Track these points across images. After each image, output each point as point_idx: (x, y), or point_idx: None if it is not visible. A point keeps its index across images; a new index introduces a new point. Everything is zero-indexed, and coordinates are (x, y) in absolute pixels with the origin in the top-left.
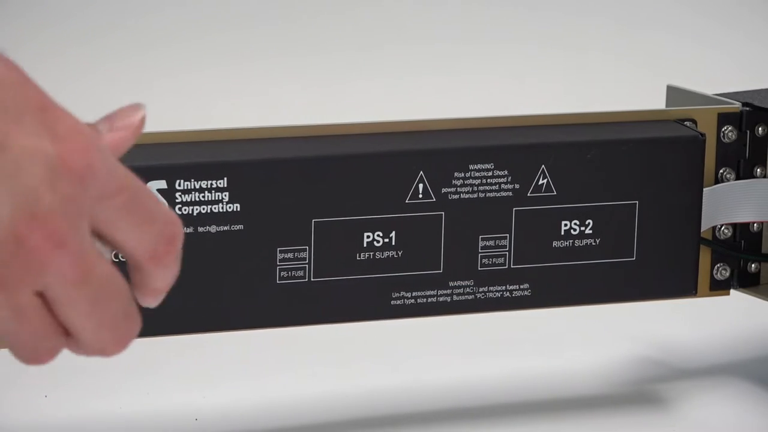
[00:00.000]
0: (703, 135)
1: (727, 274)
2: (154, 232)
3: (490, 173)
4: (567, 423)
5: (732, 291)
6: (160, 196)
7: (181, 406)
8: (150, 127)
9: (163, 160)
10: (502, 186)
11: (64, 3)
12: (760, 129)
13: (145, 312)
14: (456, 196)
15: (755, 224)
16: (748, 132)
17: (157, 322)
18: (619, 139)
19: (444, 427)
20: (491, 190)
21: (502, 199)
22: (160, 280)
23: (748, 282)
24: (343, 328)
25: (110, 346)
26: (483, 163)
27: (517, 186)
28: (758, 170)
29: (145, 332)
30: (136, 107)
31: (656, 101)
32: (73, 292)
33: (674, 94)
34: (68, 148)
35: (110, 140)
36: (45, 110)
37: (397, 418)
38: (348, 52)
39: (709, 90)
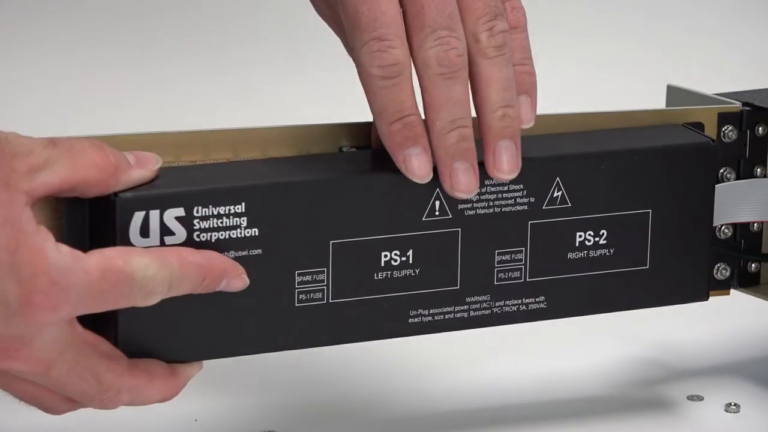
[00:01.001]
0: (714, 141)
1: (727, 274)
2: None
3: (506, 187)
4: (566, 423)
5: (732, 291)
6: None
7: (181, 407)
8: (151, 128)
9: (179, 186)
10: (518, 200)
11: (63, 3)
12: (760, 129)
13: (163, 338)
14: (472, 212)
15: (755, 224)
16: (749, 132)
17: (177, 348)
18: (632, 149)
19: (445, 429)
20: (507, 205)
21: (517, 213)
22: None
23: (748, 282)
24: None
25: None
26: None
27: (532, 199)
28: (758, 170)
29: (168, 357)
30: (156, 156)
31: (656, 101)
32: (41, 380)
33: (674, 94)
34: (30, 290)
35: (135, 174)
36: (15, 253)
37: (399, 421)
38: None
39: (709, 90)
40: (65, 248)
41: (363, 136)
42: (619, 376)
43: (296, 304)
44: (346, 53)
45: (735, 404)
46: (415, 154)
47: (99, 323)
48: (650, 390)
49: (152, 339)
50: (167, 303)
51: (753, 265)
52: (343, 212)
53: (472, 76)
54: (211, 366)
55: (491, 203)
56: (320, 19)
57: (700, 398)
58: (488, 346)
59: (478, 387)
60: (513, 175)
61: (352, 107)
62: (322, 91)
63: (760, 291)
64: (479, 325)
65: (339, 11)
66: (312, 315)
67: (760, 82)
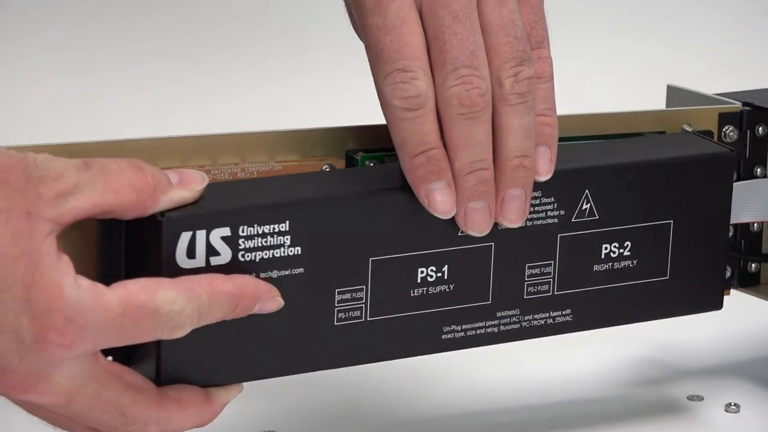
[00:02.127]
0: (733, 150)
1: (728, 274)
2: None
3: (538, 201)
4: (566, 423)
5: (732, 291)
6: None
7: None
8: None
9: (224, 205)
10: (549, 213)
11: (67, 3)
12: (760, 129)
13: (204, 363)
14: (511, 227)
15: (755, 224)
16: (749, 132)
17: (216, 372)
18: (657, 159)
19: (445, 430)
20: (539, 218)
21: (548, 227)
22: None
23: (748, 282)
24: None
25: None
26: (536, 191)
27: (562, 212)
28: (758, 170)
29: (207, 381)
30: (203, 174)
31: (656, 101)
32: (62, 411)
33: (674, 94)
34: (45, 326)
35: (176, 195)
36: (30, 288)
37: (400, 421)
38: (355, 60)
39: (709, 90)
40: (85, 282)
41: (368, 138)
42: (620, 376)
43: (335, 323)
44: (350, 56)
45: (735, 404)
46: (438, 188)
47: (134, 351)
48: (650, 390)
49: (193, 365)
50: (207, 328)
51: (753, 265)
52: (382, 228)
53: (493, 120)
54: None
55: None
56: (324, 21)
57: (700, 398)
58: (489, 348)
59: (479, 388)
60: (518, 225)
61: (357, 110)
62: (327, 93)
63: (760, 291)
64: (508, 340)
65: (363, 41)
66: (350, 333)
67: (760, 82)
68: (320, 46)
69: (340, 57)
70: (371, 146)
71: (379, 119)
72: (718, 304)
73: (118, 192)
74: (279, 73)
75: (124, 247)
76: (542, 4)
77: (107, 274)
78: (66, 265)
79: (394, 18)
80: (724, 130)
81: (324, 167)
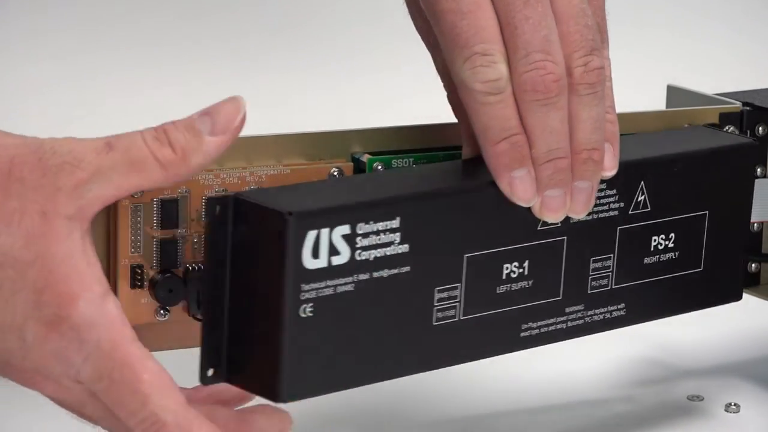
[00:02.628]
0: (756, 141)
1: None
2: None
3: (603, 193)
4: (566, 423)
5: None
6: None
7: None
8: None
9: (339, 201)
10: (611, 206)
11: (71, 6)
12: (760, 129)
13: (319, 369)
14: (576, 219)
15: (755, 224)
16: (749, 132)
17: (327, 379)
18: (698, 150)
19: (447, 430)
20: (602, 211)
21: (610, 219)
22: None
23: (748, 282)
24: None
25: None
26: (601, 183)
27: (621, 204)
28: (758, 170)
29: (318, 390)
30: (237, 105)
31: (656, 101)
32: (80, 410)
33: (674, 94)
34: (48, 329)
35: (212, 146)
36: (41, 292)
37: (401, 422)
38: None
39: (709, 90)
40: (115, 311)
41: (372, 141)
42: (620, 376)
43: (434, 323)
44: (352, 56)
45: (735, 404)
46: (521, 176)
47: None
48: (650, 390)
49: (313, 374)
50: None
51: (753, 265)
52: (475, 224)
53: None
54: None
55: (592, 209)
56: (326, 23)
57: (700, 398)
58: None
59: (478, 388)
60: (581, 216)
61: (357, 111)
62: (331, 96)
63: (760, 291)
64: (574, 336)
65: (433, 28)
66: (445, 334)
67: (760, 82)
68: (320, 47)
69: (342, 57)
70: (376, 149)
71: (382, 121)
72: (738, 295)
73: (143, 171)
74: (279, 72)
75: (231, 239)
76: (604, 5)
77: (215, 264)
78: (91, 278)
79: (468, 2)
80: (724, 130)
81: (332, 170)
